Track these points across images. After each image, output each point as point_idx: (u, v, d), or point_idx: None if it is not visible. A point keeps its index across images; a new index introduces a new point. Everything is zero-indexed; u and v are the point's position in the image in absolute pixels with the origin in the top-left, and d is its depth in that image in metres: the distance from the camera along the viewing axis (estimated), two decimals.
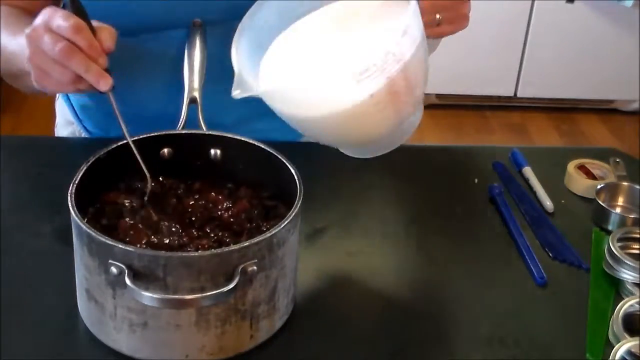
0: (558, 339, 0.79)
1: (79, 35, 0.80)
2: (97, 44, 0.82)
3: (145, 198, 0.80)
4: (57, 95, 1.20)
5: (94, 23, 0.84)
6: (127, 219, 0.77)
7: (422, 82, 0.76)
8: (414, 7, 0.71)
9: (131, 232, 0.75)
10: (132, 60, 1.05)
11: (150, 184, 0.81)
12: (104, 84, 0.81)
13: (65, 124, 1.18)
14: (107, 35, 0.83)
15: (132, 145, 0.80)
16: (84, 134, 1.14)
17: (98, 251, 0.68)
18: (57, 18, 0.81)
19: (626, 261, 0.84)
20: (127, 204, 0.80)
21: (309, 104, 0.73)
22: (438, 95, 3.04)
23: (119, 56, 1.04)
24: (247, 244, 0.68)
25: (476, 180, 1.05)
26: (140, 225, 0.76)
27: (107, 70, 0.82)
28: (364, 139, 0.77)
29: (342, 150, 0.83)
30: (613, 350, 0.74)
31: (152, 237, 0.75)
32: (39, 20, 0.82)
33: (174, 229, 0.77)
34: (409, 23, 0.70)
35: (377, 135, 0.77)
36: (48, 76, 0.84)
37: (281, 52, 0.81)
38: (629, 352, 0.73)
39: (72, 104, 1.15)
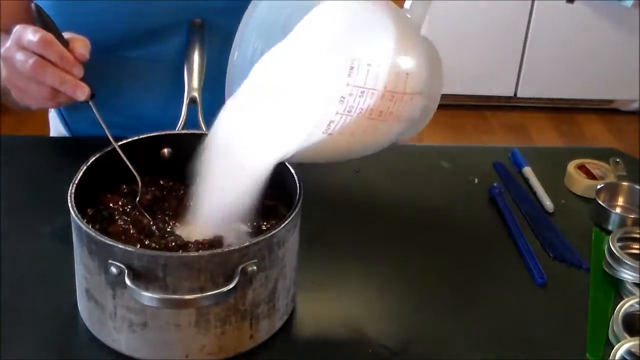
0: (558, 339, 0.79)
1: (49, 49, 0.80)
2: (69, 55, 0.81)
3: (137, 200, 0.80)
4: (49, 109, 1.20)
5: (67, 35, 0.84)
6: (120, 223, 0.77)
7: (412, 76, 0.70)
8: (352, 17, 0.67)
9: (122, 237, 0.75)
10: (132, 64, 1.05)
11: (141, 188, 0.81)
12: (81, 93, 0.81)
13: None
14: (80, 44, 0.83)
15: (119, 151, 0.80)
16: None
17: (98, 251, 0.68)
18: (27, 34, 0.81)
19: (626, 261, 0.84)
20: (120, 208, 0.80)
21: (298, 152, 0.71)
22: None
23: (120, 60, 1.04)
24: (247, 244, 0.68)
25: (476, 180, 1.05)
26: (131, 230, 0.76)
27: (84, 79, 0.82)
28: (375, 149, 0.75)
29: None
30: (613, 350, 0.74)
31: (145, 240, 0.76)
32: (11, 39, 0.82)
33: (166, 233, 0.77)
34: (353, 54, 0.66)
35: (388, 141, 0.75)
36: (27, 94, 0.85)
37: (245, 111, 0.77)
38: (629, 352, 0.73)
39: (63, 117, 1.15)
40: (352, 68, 0.65)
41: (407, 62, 0.70)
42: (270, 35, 0.78)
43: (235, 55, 0.80)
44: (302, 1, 0.76)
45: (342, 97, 0.65)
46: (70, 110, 1.13)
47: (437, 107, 0.77)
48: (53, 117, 1.19)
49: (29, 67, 0.80)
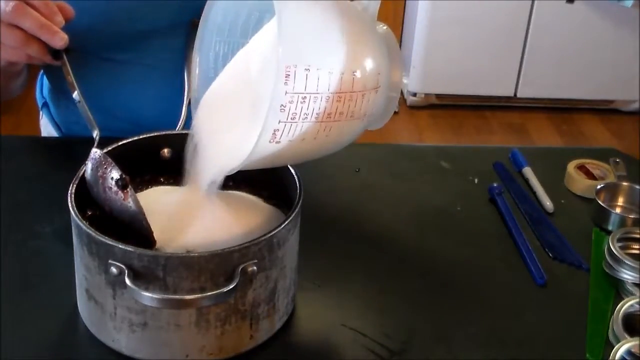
0: (558, 339, 0.79)
1: None
2: (52, 4, 0.81)
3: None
4: (41, 114, 1.20)
5: None
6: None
7: (362, 73, 0.68)
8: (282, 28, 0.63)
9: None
10: (129, 69, 1.05)
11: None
12: (59, 39, 0.81)
13: None
14: (67, 5, 0.83)
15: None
16: None
17: (98, 251, 0.68)
18: None
19: (626, 261, 0.84)
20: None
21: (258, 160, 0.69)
22: (438, 95, 3.04)
23: (116, 64, 1.04)
24: (247, 244, 0.68)
25: (476, 180, 1.05)
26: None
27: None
28: (336, 147, 0.73)
29: None
30: (613, 350, 0.74)
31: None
32: None
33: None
34: (288, 60, 0.63)
35: (349, 139, 0.73)
36: None
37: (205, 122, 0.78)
38: (629, 352, 0.73)
39: (56, 123, 1.15)
40: (288, 75, 0.63)
41: (353, 61, 0.68)
42: (231, 39, 0.78)
43: (196, 70, 0.80)
44: (257, 2, 0.76)
45: (282, 105, 0.63)
46: (62, 114, 1.13)
47: (399, 94, 0.75)
48: (45, 123, 1.18)
49: (9, 10, 0.79)
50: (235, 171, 0.70)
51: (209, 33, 0.78)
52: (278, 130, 0.64)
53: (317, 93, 0.65)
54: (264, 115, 0.63)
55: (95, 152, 0.74)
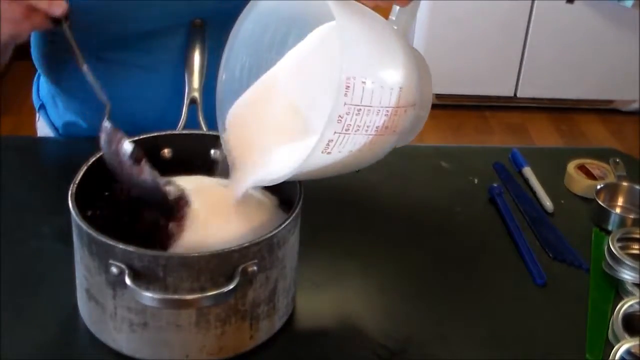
0: (558, 339, 0.79)
1: None
2: None
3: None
4: (38, 116, 1.19)
5: None
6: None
7: (405, 89, 0.70)
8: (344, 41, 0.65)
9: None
10: (133, 66, 1.04)
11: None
12: (57, 7, 0.80)
13: None
14: None
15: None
16: None
17: (98, 251, 0.68)
18: None
19: (626, 261, 0.84)
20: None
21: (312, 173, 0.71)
22: (438, 95, 3.04)
23: (115, 65, 1.04)
24: (247, 244, 0.68)
25: (476, 181, 1.05)
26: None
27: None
28: (370, 162, 0.75)
29: None
30: (613, 350, 0.74)
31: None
32: None
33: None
34: (348, 72, 0.64)
35: (383, 154, 0.75)
36: None
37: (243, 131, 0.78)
38: (629, 352, 0.73)
39: (53, 125, 1.14)
40: (348, 87, 0.64)
41: (400, 76, 0.69)
42: (257, 52, 0.78)
43: (223, 76, 0.80)
44: (285, 16, 0.76)
45: (339, 116, 0.64)
46: (59, 116, 1.13)
47: (428, 113, 0.77)
48: (42, 125, 1.18)
49: None
50: (280, 181, 0.70)
51: (238, 45, 0.78)
52: (332, 140, 0.65)
53: (370, 106, 0.66)
54: (317, 126, 0.64)
55: (107, 126, 0.75)
